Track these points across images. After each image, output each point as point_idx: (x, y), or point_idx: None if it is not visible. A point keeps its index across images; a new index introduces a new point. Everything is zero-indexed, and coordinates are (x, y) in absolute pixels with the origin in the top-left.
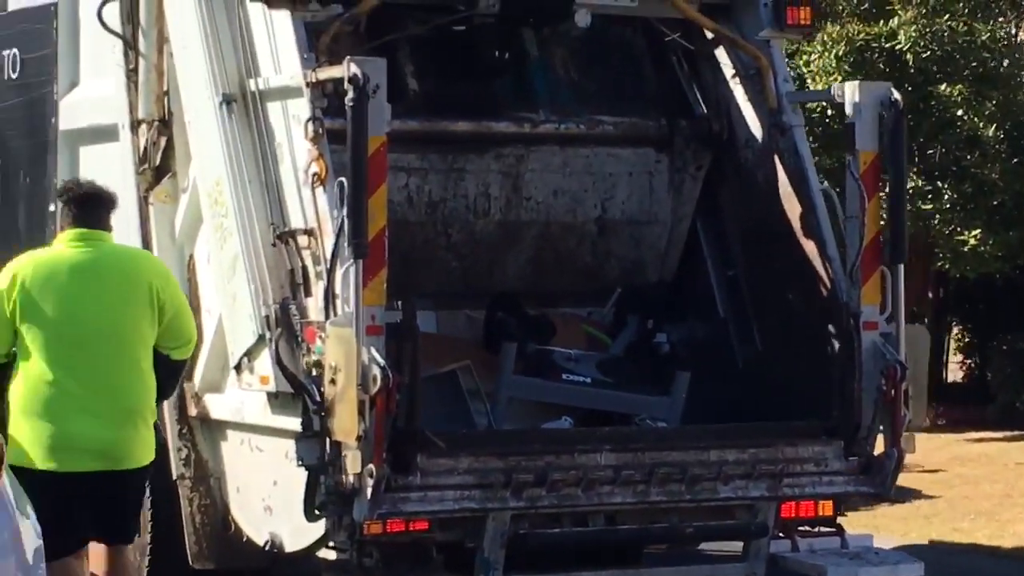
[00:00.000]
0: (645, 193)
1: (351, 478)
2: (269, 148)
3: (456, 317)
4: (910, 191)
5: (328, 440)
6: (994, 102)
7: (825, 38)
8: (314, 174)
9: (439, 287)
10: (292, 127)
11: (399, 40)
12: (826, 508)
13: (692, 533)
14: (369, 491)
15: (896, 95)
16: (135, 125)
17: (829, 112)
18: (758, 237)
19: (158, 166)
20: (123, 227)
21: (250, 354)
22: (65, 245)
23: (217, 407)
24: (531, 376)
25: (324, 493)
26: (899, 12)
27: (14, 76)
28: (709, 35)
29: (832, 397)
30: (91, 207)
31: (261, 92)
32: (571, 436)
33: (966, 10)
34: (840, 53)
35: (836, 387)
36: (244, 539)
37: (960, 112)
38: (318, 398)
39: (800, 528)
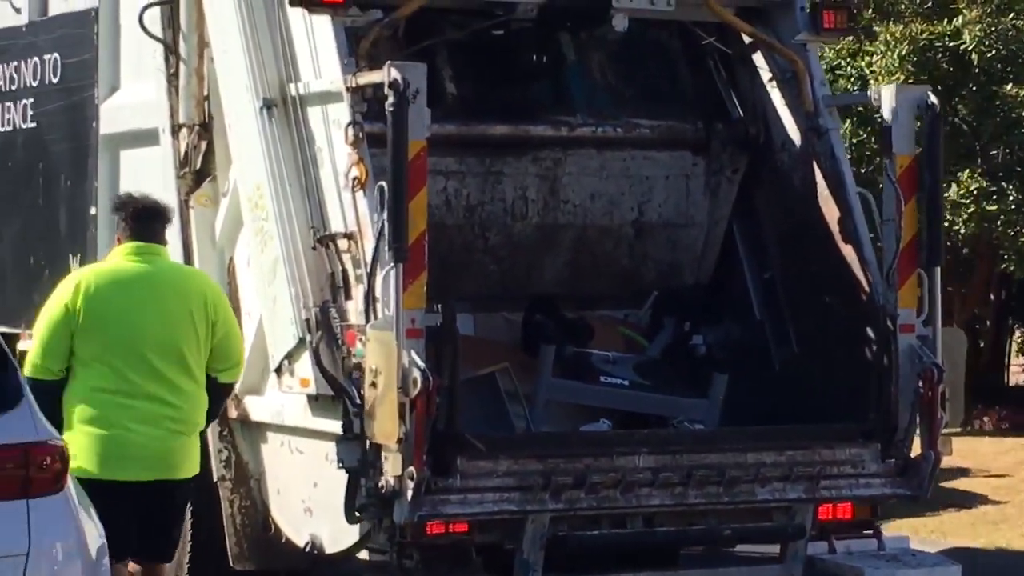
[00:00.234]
0: (682, 196)
1: (391, 480)
2: (309, 152)
3: (494, 320)
4: (974, 192)
5: (368, 442)
6: None
7: (888, 38)
8: (354, 178)
9: (477, 290)
10: (332, 131)
11: (437, 45)
12: (863, 510)
13: (730, 535)
14: (409, 493)
15: (933, 98)
16: (176, 129)
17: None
18: (794, 240)
19: (198, 170)
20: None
21: (290, 357)
22: (123, 258)
23: (257, 409)
24: (569, 379)
25: (364, 495)
26: (963, 11)
27: (55, 80)
28: (746, 39)
29: (869, 399)
30: (148, 221)
31: (301, 96)
32: (610, 438)
33: None
34: (903, 53)
35: (873, 390)
36: (284, 540)
37: None
38: (358, 401)
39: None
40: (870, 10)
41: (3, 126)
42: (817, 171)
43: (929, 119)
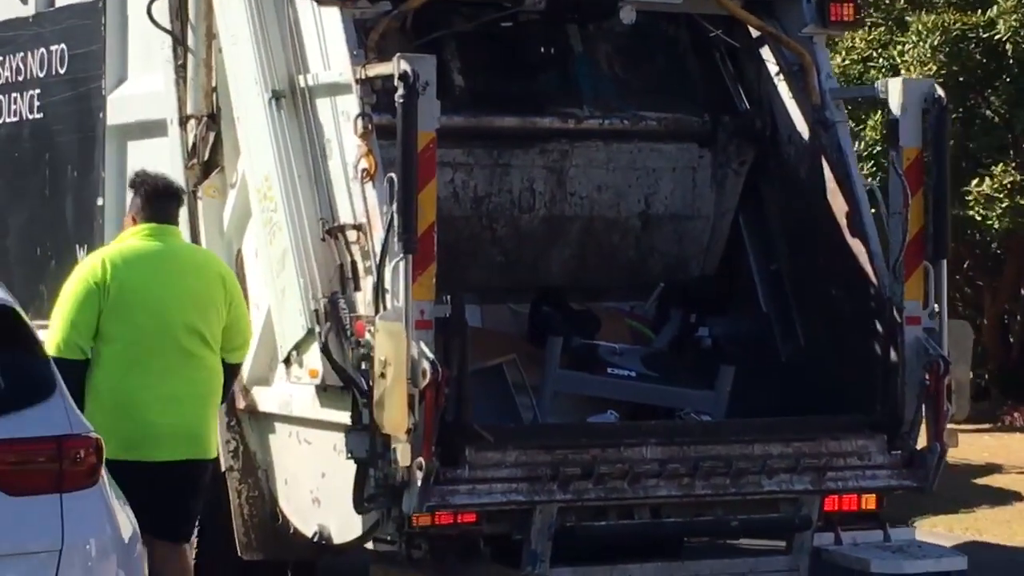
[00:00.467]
0: (688, 188)
1: (400, 471)
2: (318, 144)
3: (500, 311)
4: (1008, 186)
5: (377, 433)
6: None
7: (920, 28)
8: (363, 170)
9: (484, 281)
10: (341, 123)
11: (445, 36)
12: (869, 501)
13: (737, 526)
14: (418, 484)
15: (939, 91)
16: (184, 120)
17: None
18: (801, 232)
19: (207, 161)
20: None
21: (299, 348)
22: (141, 238)
23: (265, 400)
24: (576, 370)
25: (373, 486)
26: (998, 1)
27: (62, 71)
28: (753, 32)
29: (875, 391)
30: (165, 201)
31: (310, 88)
32: (617, 430)
33: None
34: (935, 43)
35: (879, 382)
36: (292, 530)
37: None
38: (367, 391)
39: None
40: (902, 0)
41: (10, 117)
42: (824, 164)
43: (936, 112)
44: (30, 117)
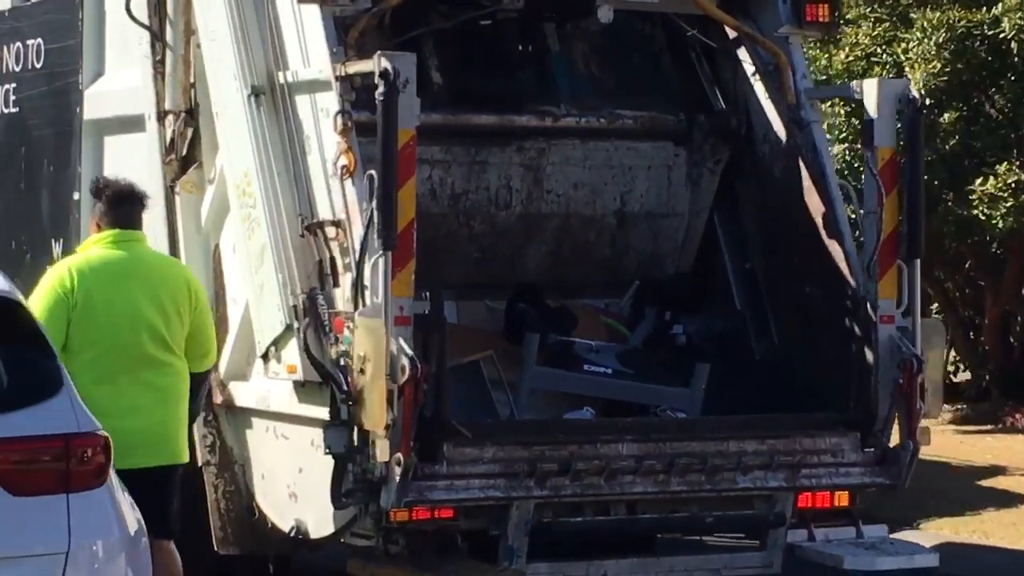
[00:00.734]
0: (664, 186)
1: (379, 466)
2: (297, 140)
3: (477, 308)
4: (1012, 185)
5: (356, 429)
6: None
7: (924, 24)
8: (343, 166)
9: (460, 278)
10: (320, 120)
11: (423, 34)
12: (842, 499)
13: (711, 522)
14: (396, 479)
15: (914, 92)
16: (162, 115)
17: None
18: (775, 231)
19: (184, 156)
20: (149, 217)
21: (277, 343)
22: (106, 246)
23: (242, 395)
24: (553, 367)
25: (351, 481)
26: None
27: (38, 66)
28: (729, 31)
29: (848, 389)
30: (128, 206)
31: (290, 85)
32: (594, 426)
33: None
34: (940, 40)
35: (853, 380)
36: (269, 525)
37: None
38: (345, 387)
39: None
40: None
41: None
42: (799, 163)
43: (910, 113)
44: (6, 111)
